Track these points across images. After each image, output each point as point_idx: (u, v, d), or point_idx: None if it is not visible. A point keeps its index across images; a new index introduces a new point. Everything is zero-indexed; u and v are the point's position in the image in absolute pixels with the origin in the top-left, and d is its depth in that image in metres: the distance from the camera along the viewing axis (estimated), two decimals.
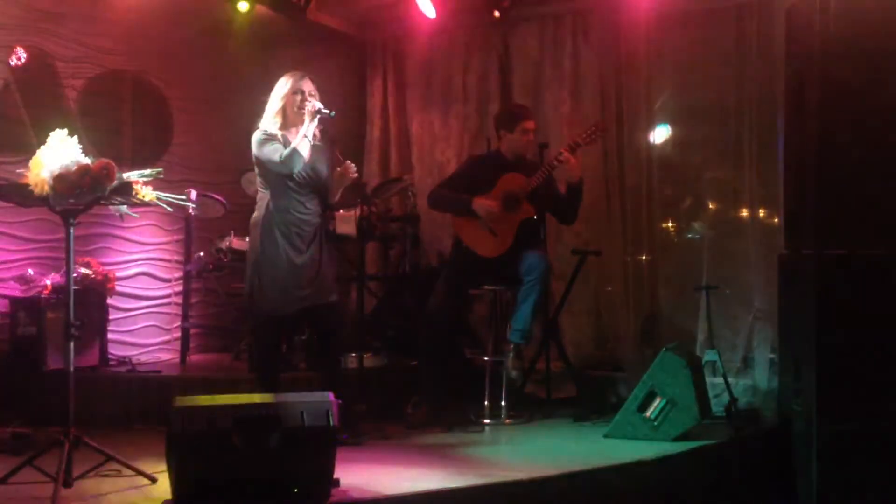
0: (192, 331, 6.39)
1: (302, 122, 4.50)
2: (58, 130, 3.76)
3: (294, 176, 4.47)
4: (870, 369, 4.32)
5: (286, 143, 4.47)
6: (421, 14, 6.06)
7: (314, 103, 4.50)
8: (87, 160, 3.69)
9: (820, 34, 4.38)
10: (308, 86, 4.55)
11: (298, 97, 4.52)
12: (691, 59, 5.81)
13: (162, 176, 4.01)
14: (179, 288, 6.43)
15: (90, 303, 5.59)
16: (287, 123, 4.55)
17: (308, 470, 3.40)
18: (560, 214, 5.39)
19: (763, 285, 5.32)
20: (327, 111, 4.49)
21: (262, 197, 4.57)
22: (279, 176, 4.48)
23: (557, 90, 6.29)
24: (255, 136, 4.53)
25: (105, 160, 3.69)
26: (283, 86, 4.55)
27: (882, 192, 4.35)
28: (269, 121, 4.55)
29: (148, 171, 3.91)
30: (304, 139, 4.45)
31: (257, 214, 4.57)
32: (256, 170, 4.59)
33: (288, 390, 4.39)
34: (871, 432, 4.31)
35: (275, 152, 4.43)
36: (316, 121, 4.50)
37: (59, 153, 3.66)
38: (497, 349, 5.29)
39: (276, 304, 4.49)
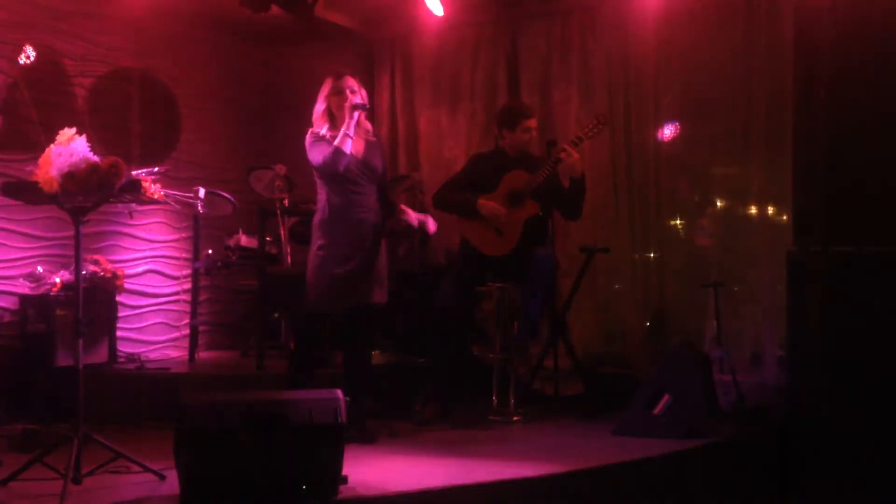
0: (201, 328, 6.41)
1: (346, 119, 4.54)
2: (66, 128, 3.77)
3: (345, 173, 4.49)
4: (879, 366, 4.31)
5: None
6: (429, 11, 6.05)
7: (351, 99, 4.53)
8: (95, 158, 3.70)
9: (829, 29, 4.37)
10: (349, 83, 4.59)
11: (340, 98, 4.55)
12: (699, 54, 5.79)
13: (170, 174, 4.02)
14: (188, 285, 6.45)
15: (99, 300, 5.61)
16: (336, 124, 4.57)
17: (316, 467, 3.41)
18: (564, 210, 5.38)
19: (771, 282, 5.31)
20: (363, 105, 4.55)
21: (321, 197, 4.62)
22: (334, 175, 4.51)
23: (565, 87, 6.28)
24: (307, 139, 4.58)
25: (114, 158, 3.71)
26: (325, 88, 4.60)
27: (891, 188, 4.34)
28: (318, 123, 4.59)
29: (156, 169, 3.92)
30: (346, 137, 4.47)
31: (316, 216, 4.62)
32: (315, 171, 4.63)
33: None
34: (880, 429, 4.30)
35: (320, 154, 4.48)
36: (356, 116, 4.52)
37: (67, 151, 3.67)
38: (505, 346, 5.28)
39: (332, 301, 4.52)
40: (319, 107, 4.59)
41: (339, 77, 4.59)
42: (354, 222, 4.56)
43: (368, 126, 4.68)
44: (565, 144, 5.11)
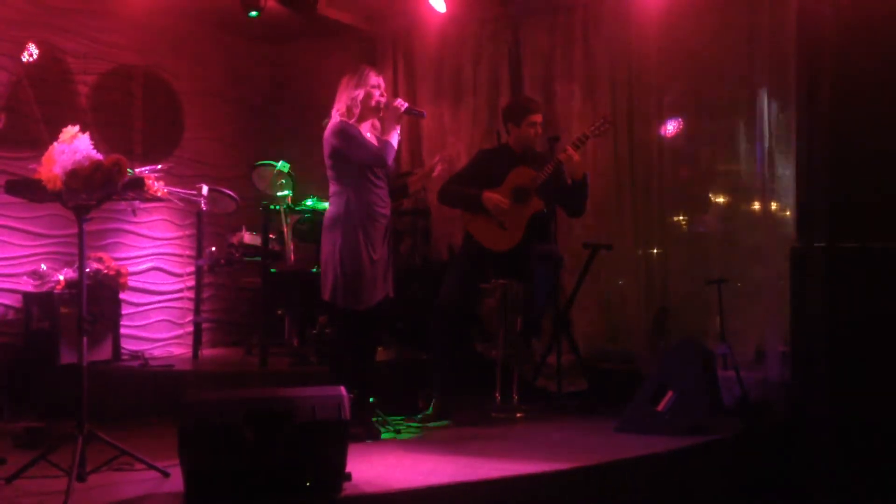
0: (204, 325, 6.42)
1: (373, 115, 4.57)
2: (70, 126, 3.78)
3: (371, 169, 4.51)
4: (882, 362, 4.30)
5: None
6: (431, 7, 6.05)
7: (401, 102, 4.56)
8: (98, 156, 3.70)
9: (832, 25, 4.36)
10: (381, 83, 4.60)
11: (377, 92, 4.55)
12: (702, 50, 5.78)
13: (173, 171, 4.03)
14: (191, 282, 6.47)
15: (103, 298, 5.63)
16: (361, 117, 4.56)
17: (320, 464, 3.41)
18: (568, 207, 5.38)
19: (775, 278, 5.30)
20: (418, 111, 4.69)
21: (340, 192, 4.54)
22: (360, 169, 4.50)
23: (568, 83, 6.26)
24: (338, 128, 4.50)
25: (117, 155, 3.71)
26: (359, 80, 4.55)
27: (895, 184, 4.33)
28: (346, 113, 4.54)
29: (159, 167, 3.92)
30: (396, 134, 4.50)
31: (335, 211, 4.54)
32: (332, 163, 4.56)
33: (298, 384, 4.38)
34: (884, 425, 4.29)
35: (367, 143, 4.48)
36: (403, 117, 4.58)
37: (71, 149, 3.67)
38: (507, 343, 5.29)
39: (362, 298, 4.52)
40: (353, 95, 4.51)
41: (377, 72, 4.61)
42: (377, 216, 4.56)
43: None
44: (567, 146, 5.10)
